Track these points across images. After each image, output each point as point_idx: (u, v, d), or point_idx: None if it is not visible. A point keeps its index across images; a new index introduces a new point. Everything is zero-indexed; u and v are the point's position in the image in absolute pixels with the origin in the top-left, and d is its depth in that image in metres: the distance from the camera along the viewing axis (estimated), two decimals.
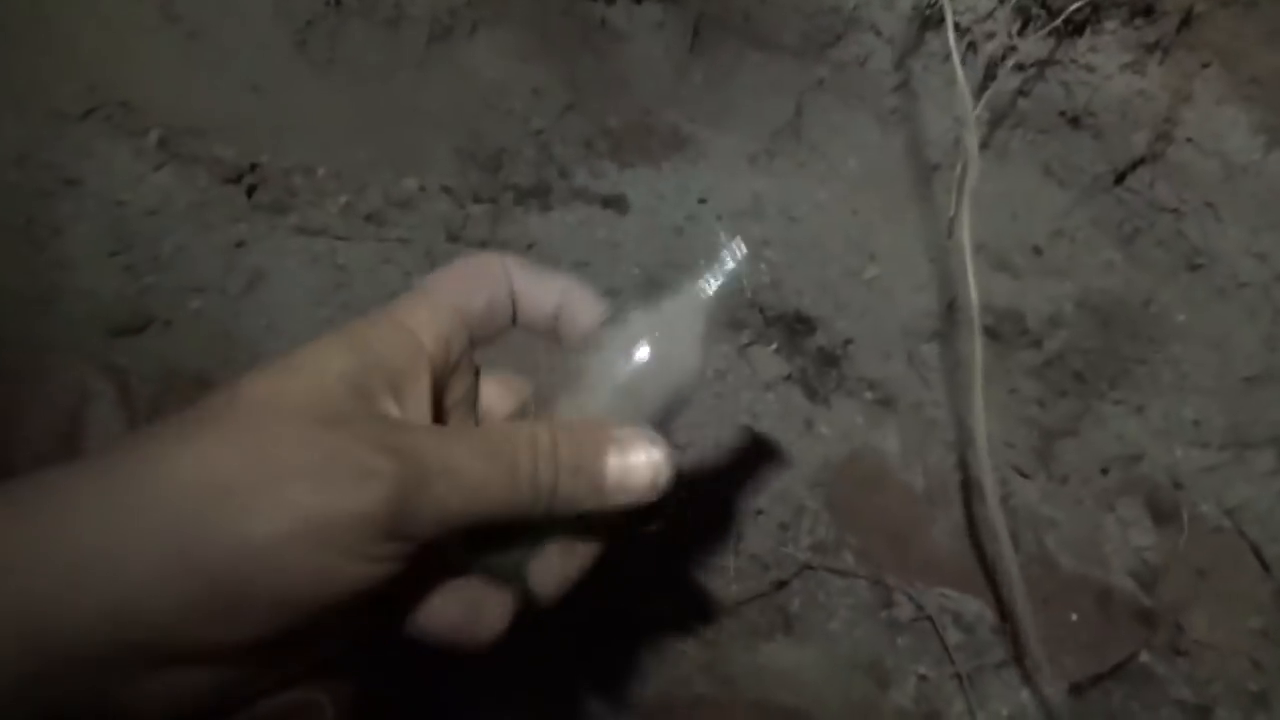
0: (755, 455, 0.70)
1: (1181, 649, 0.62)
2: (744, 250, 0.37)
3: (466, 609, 0.35)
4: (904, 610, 0.64)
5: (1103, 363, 0.80)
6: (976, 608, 0.64)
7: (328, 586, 0.28)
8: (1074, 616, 0.62)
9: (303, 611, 0.28)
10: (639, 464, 0.34)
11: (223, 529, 0.27)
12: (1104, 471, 0.70)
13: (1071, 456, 0.72)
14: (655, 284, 0.37)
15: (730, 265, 0.37)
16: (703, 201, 0.83)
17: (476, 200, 0.83)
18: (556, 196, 0.84)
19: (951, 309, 0.83)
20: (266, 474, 0.28)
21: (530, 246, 0.78)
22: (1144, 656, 0.62)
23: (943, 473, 0.71)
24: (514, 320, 0.38)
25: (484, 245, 0.79)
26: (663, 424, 0.36)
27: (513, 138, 0.91)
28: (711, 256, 0.37)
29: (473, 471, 0.30)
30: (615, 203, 0.84)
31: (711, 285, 0.37)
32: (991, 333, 0.83)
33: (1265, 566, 0.64)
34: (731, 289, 0.37)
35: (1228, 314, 0.77)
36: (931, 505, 0.68)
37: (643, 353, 0.35)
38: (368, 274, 0.69)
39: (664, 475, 0.34)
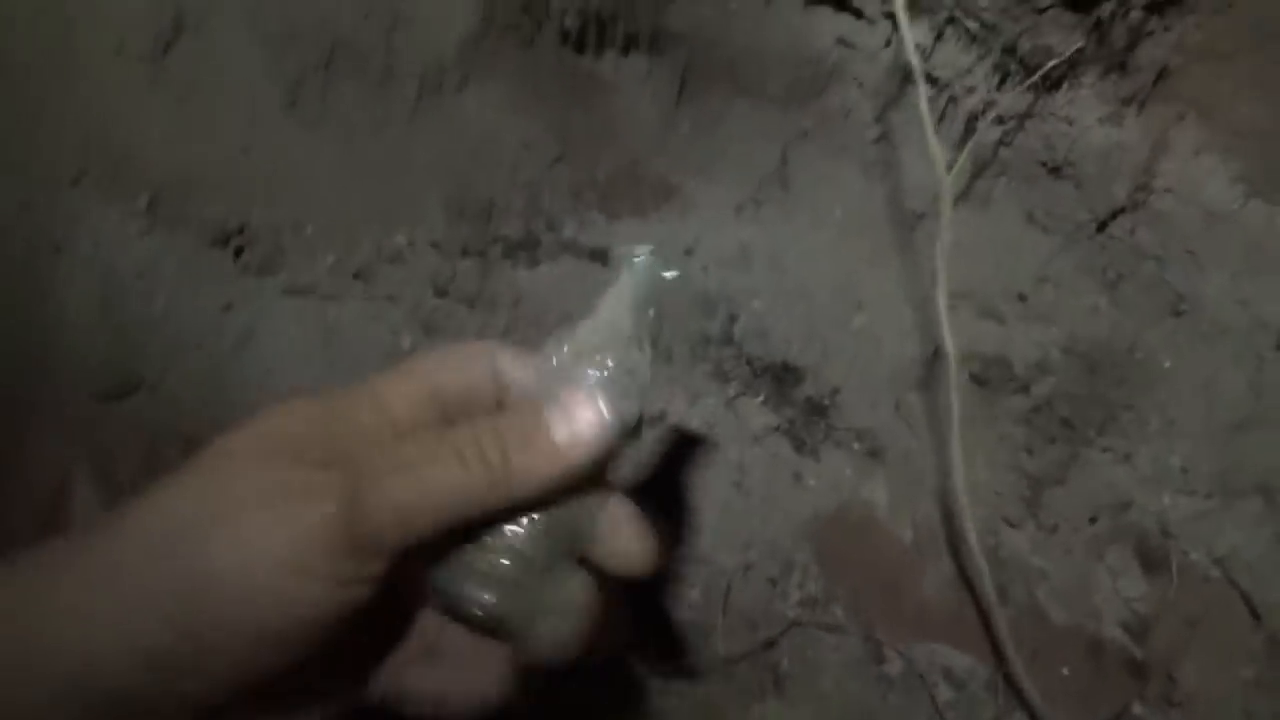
0: (743, 509, 0.70)
1: (1174, 700, 0.62)
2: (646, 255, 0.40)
3: (450, 672, 0.36)
4: (894, 666, 0.64)
5: (1090, 409, 0.80)
6: (968, 663, 0.63)
7: (295, 612, 0.28)
8: (1065, 670, 0.62)
9: (275, 647, 0.28)
10: (582, 416, 0.34)
11: (182, 568, 0.27)
12: (1092, 520, 0.70)
13: (1060, 505, 0.72)
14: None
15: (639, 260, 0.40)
16: (689, 253, 0.84)
17: (465, 254, 0.84)
18: (544, 250, 0.84)
19: (937, 356, 0.83)
20: (220, 511, 0.28)
21: (517, 302, 0.78)
22: (1136, 709, 0.62)
23: (931, 524, 0.71)
24: (499, 405, 0.38)
25: (472, 300, 0.80)
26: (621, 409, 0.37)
27: (502, 190, 0.92)
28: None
29: (421, 462, 0.30)
30: (602, 255, 0.84)
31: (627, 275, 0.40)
32: (978, 380, 0.83)
33: (1256, 615, 0.63)
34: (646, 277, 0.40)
35: (1212, 359, 0.77)
36: (921, 557, 0.68)
37: (579, 341, 0.38)
38: (356, 332, 0.70)
39: (607, 422, 0.34)
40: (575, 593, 0.36)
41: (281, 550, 0.27)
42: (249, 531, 0.27)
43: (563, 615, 0.36)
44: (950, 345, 0.57)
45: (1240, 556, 0.65)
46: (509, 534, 0.35)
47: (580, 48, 0.96)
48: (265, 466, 0.29)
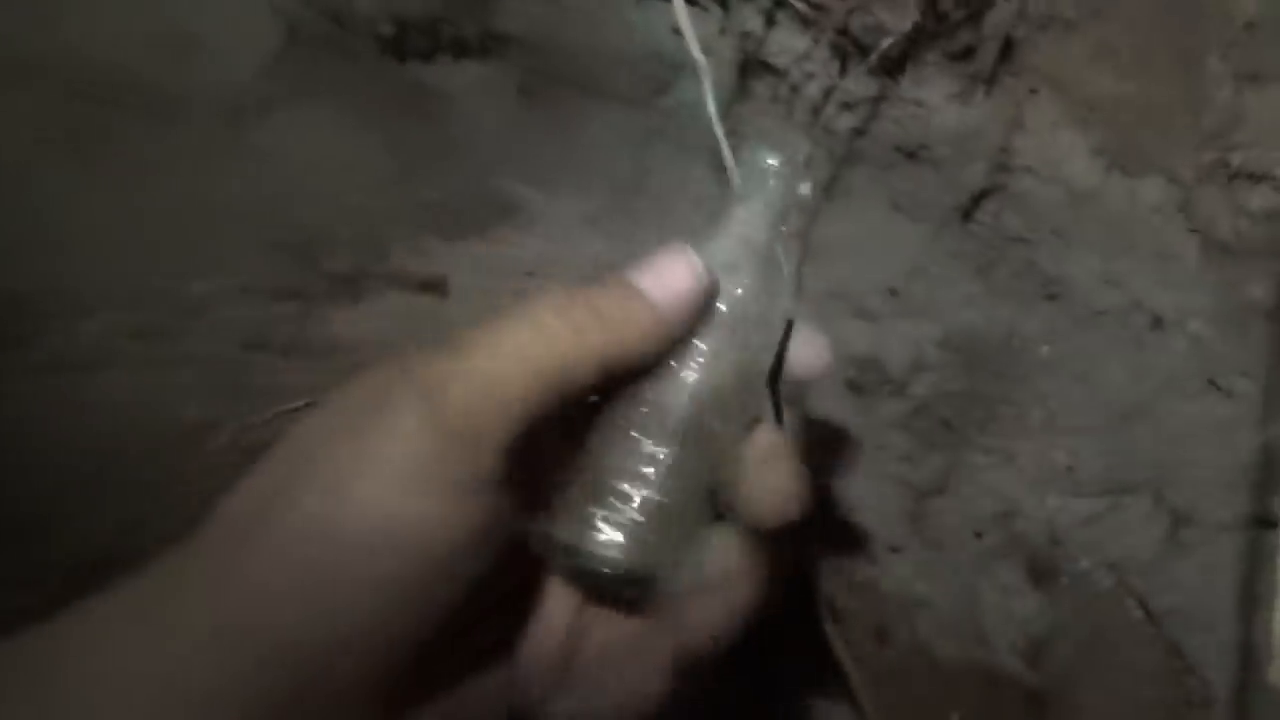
0: None
1: None
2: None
3: (593, 691, 0.33)
4: None
5: (970, 407, 0.75)
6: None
7: (426, 533, 0.26)
8: (956, 717, 0.56)
9: (417, 588, 0.26)
10: (671, 266, 0.32)
11: (314, 511, 0.26)
12: (978, 535, 0.64)
13: (945, 518, 0.66)
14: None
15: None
16: (530, 275, 0.76)
17: (280, 298, 0.74)
18: (370, 285, 0.75)
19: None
20: (327, 459, 0.27)
21: (334, 351, 0.69)
22: None
23: None
24: None
25: (289, 350, 0.70)
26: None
27: (326, 220, 0.83)
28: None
29: (499, 330, 0.29)
30: (435, 286, 0.76)
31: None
32: (854, 386, 0.77)
33: (1153, 621, 0.58)
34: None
35: (1089, 344, 0.73)
36: None
37: (709, 260, 0.34)
38: (125, 408, 0.60)
39: (699, 270, 0.32)
40: (723, 551, 0.33)
41: (395, 465, 0.26)
42: (352, 461, 0.26)
43: (709, 576, 0.33)
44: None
45: (1134, 560, 0.60)
46: (634, 477, 0.32)
47: (402, 56, 0.87)
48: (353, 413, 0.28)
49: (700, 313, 0.33)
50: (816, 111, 0.68)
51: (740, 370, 0.34)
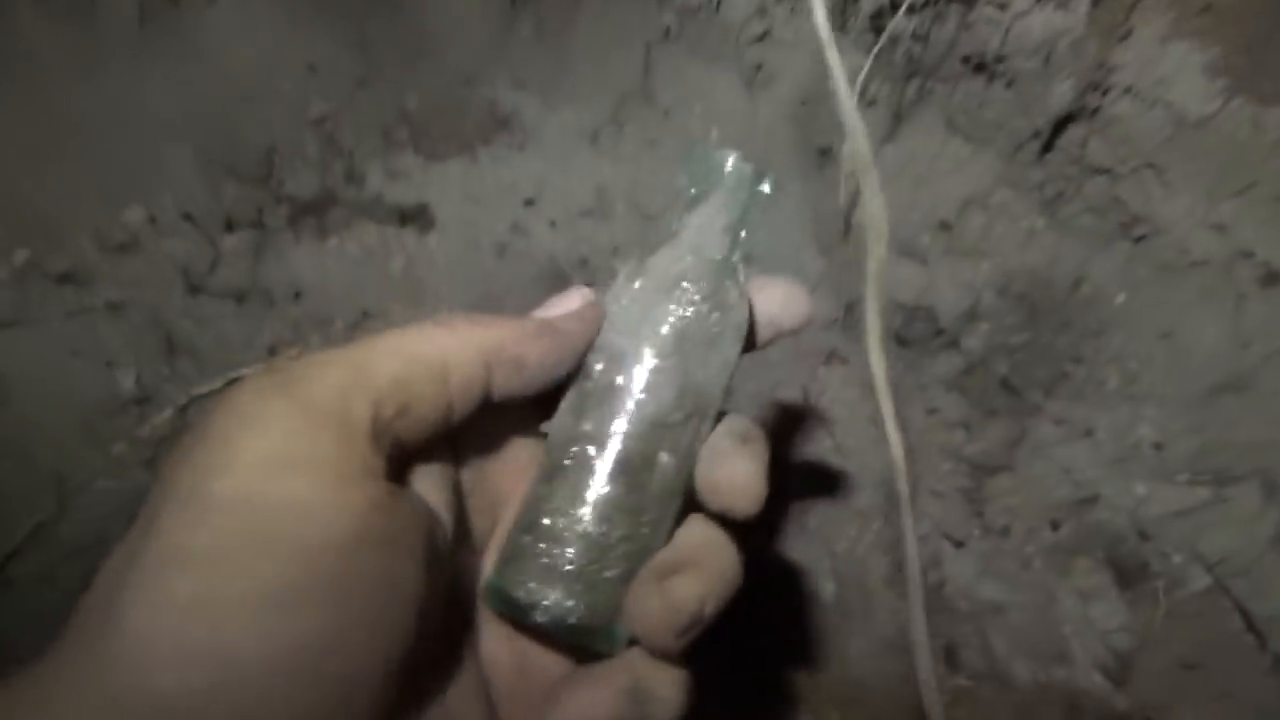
0: None
1: None
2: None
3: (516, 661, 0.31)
4: None
5: (1034, 365, 0.65)
6: None
7: (302, 514, 0.24)
8: None
9: (321, 589, 0.23)
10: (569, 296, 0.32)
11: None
12: (1054, 526, 0.55)
13: (1010, 500, 0.57)
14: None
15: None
16: (530, 204, 0.64)
17: (232, 227, 0.62)
18: (339, 215, 0.63)
19: (851, 314, 0.67)
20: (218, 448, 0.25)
21: (298, 296, 0.58)
22: None
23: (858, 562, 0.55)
24: None
25: (241, 295, 0.59)
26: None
27: (284, 135, 0.70)
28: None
29: (389, 333, 0.28)
30: (417, 216, 0.64)
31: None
32: (900, 339, 0.67)
33: (1258, 635, 0.50)
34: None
35: (1177, 297, 0.62)
36: (845, 616, 0.53)
37: (659, 271, 0.32)
38: (46, 375, 0.49)
39: (593, 298, 0.32)
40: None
41: (257, 452, 0.24)
42: (244, 442, 0.24)
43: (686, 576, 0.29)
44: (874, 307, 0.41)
45: (1235, 562, 0.52)
46: (577, 522, 0.30)
47: None
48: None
49: (592, 321, 0.32)
50: (877, 14, 0.56)
51: (687, 397, 0.31)
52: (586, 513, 0.30)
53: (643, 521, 0.31)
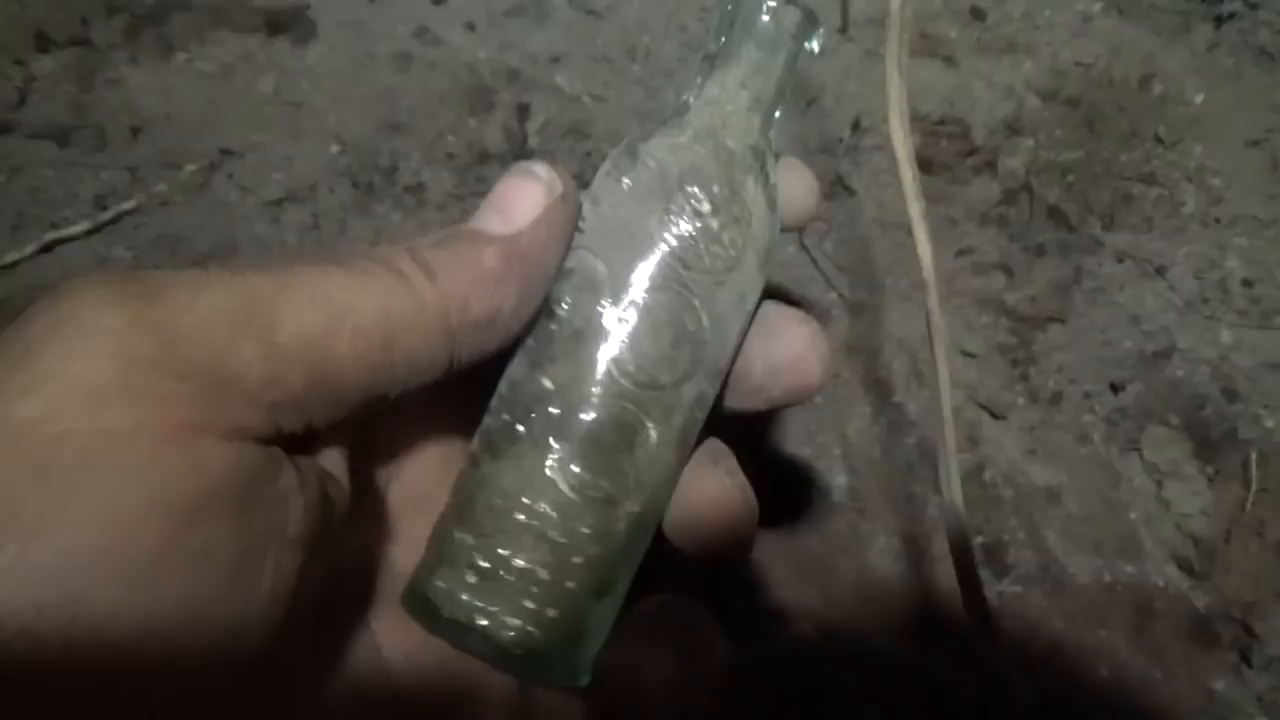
0: None
1: (1257, 662, 0.41)
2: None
3: None
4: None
5: (1090, 187, 0.55)
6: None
7: (127, 451, 0.19)
8: (1104, 672, 0.40)
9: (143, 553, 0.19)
10: (516, 191, 0.24)
11: None
12: (1117, 388, 0.46)
13: (1063, 358, 0.48)
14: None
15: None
16: (423, 32, 0.52)
17: (48, 45, 0.50)
18: (185, 24, 0.50)
19: (858, 132, 0.56)
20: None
21: (136, 132, 0.46)
22: (1217, 684, 0.41)
23: (872, 443, 0.46)
24: None
25: (61, 133, 0.47)
26: None
27: None
28: None
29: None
30: (291, 22, 0.51)
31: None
32: (923, 161, 0.56)
33: None
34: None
35: (1274, 95, 0.51)
36: (862, 516, 0.44)
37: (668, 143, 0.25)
38: None
39: (556, 189, 0.24)
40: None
41: (73, 377, 0.19)
42: (60, 363, 0.19)
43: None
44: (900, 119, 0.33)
45: None
46: (525, 501, 0.24)
47: None
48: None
49: (565, 227, 0.25)
50: None
51: (683, 348, 0.25)
52: (544, 501, 0.24)
53: (618, 515, 0.25)
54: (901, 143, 0.41)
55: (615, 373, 0.25)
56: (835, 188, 0.54)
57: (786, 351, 0.27)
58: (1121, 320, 0.49)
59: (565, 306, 0.25)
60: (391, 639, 0.26)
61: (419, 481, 0.28)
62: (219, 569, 0.20)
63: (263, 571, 0.21)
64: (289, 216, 0.44)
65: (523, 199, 0.25)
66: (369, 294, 0.22)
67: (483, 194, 0.30)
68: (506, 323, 0.24)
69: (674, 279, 0.25)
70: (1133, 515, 0.44)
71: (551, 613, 0.25)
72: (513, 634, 0.24)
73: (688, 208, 0.25)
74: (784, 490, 0.45)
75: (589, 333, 0.25)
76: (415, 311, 0.23)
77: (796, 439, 0.45)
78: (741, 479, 0.26)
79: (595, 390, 0.25)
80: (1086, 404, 0.47)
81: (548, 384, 0.25)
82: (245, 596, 0.20)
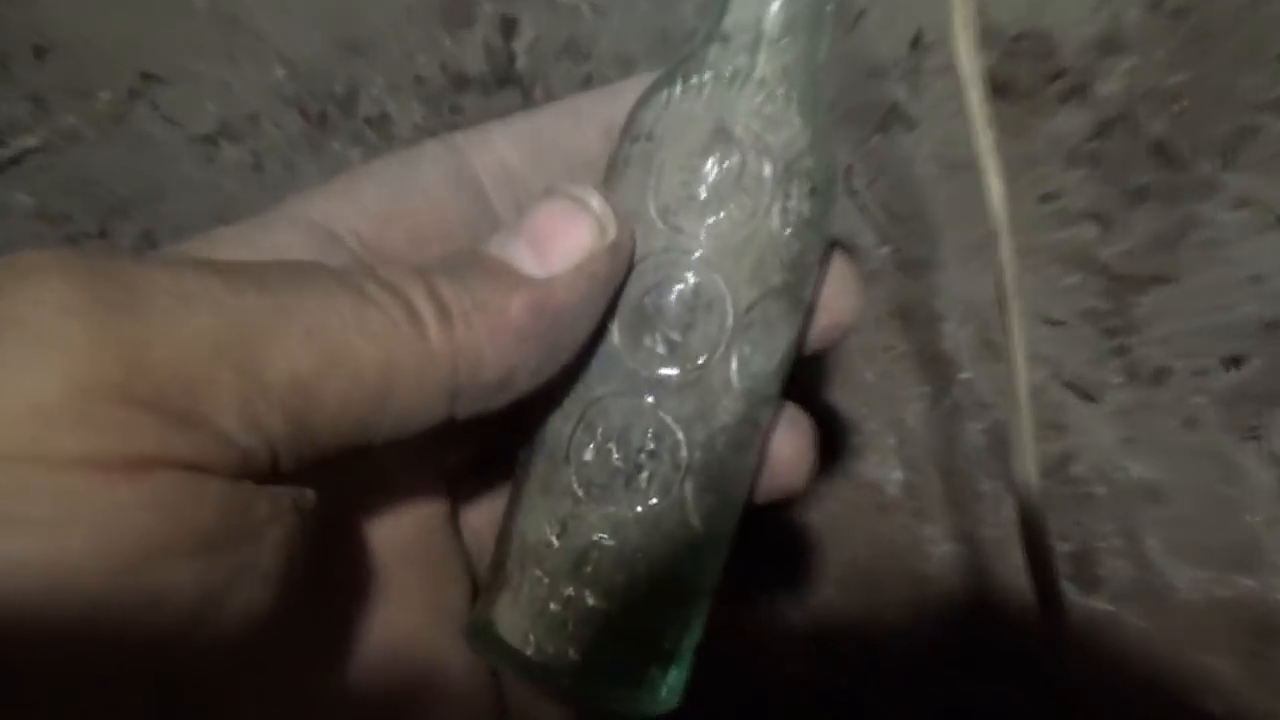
0: None
1: None
2: None
3: None
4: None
5: (1204, 119, 0.49)
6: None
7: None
8: (1216, 708, 0.35)
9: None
10: (557, 232, 0.23)
11: None
12: (1234, 363, 0.40)
13: (1168, 326, 0.43)
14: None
15: None
16: None
17: None
18: None
19: (917, 47, 0.51)
20: None
21: (41, 54, 0.41)
22: None
23: (935, 437, 0.41)
24: None
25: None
26: None
27: None
28: None
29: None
30: None
31: None
32: (998, 85, 0.51)
33: None
34: None
35: None
36: (920, 518, 0.39)
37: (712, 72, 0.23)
38: None
39: (610, 235, 0.23)
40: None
41: (55, 394, 0.18)
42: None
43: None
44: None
45: None
46: (587, 538, 0.24)
47: None
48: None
49: (610, 282, 0.23)
50: None
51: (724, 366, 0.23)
52: (606, 530, 0.24)
53: (692, 539, 0.24)
54: (969, 62, 0.34)
55: (651, 411, 0.24)
56: (890, 119, 0.48)
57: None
58: (1239, 280, 0.44)
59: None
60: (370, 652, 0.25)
61: (394, 480, 0.27)
62: (178, 613, 0.19)
63: (230, 609, 0.20)
64: (225, 155, 0.39)
65: (566, 235, 0.23)
66: (371, 335, 0.21)
67: (458, 127, 0.25)
68: (519, 386, 0.23)
69: (718, 238, 0.23)
70: (1251, 518, 0.39)
71: (628, 646, 0.24)
72: (587, 676, 0.24)
73: (731, 146, 0.23)
74: (826, 487, 0.39)
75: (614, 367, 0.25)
76: (420, 363, 0.22)
77: (842, 426, 0.40)
78: (804, 424, 0.26)
79: (641, 426, 0.24)
80: (1196, 383, 0.42)
81: (599, 427, 0.25)
82: (207, 635, 0.20)
